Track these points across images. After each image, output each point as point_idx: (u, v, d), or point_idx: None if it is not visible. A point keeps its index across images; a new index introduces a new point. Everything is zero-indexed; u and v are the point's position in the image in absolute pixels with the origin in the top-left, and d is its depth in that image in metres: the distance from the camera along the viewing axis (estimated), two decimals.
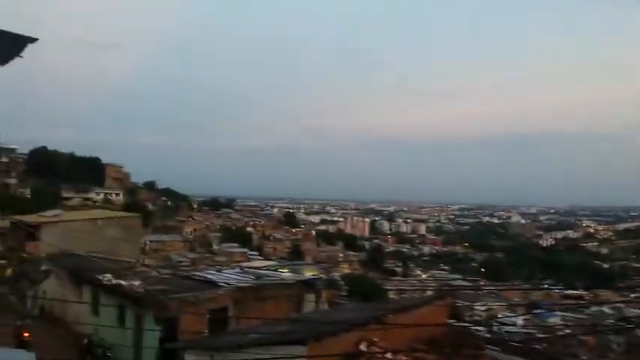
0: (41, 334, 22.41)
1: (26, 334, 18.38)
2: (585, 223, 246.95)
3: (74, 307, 23.65)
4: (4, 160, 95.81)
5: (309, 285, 24.17)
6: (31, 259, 30.17)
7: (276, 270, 29.57)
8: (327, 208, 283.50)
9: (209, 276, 23.37)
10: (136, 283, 21.15)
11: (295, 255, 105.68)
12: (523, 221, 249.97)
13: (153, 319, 18.26)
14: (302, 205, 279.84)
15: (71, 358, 19.18)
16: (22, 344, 16.76)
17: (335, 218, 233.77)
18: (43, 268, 27.97)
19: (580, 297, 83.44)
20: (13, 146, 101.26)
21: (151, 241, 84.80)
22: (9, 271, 32.35)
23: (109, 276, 22.18)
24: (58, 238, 30.11)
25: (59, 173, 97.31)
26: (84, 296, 23.43)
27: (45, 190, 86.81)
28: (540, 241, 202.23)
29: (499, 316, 64.51)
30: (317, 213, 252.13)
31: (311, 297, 23.75)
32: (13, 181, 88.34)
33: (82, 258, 28.02)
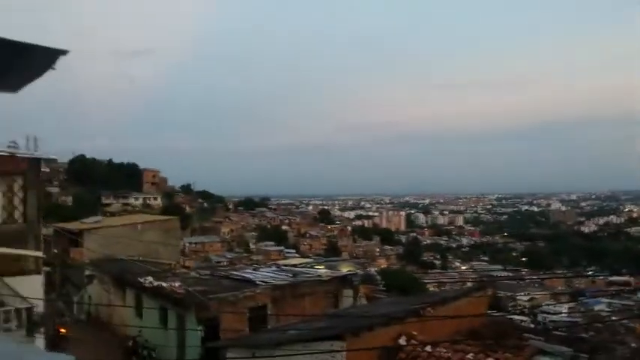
0: (89, 337, 23.18)
1: (62, 330, 18.99)
2: (628, 207, 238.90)
3: (119, 310, 24.33)
4: (46, 170, 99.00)
5: (345, 281, 24.16)
6: (75, 265, 31.09)
7: (312, 267, 29.65)
8: (362, 203, 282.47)
9: (247, 275, 23.64)
10: (177, 284, 21.58)
11: (331, 251, 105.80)
12: (563, 208, 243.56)
13: (194, 320, 18.60)
14: (336, 202, 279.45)
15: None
16: (59, 340, 17.23)
17: (370, 213, 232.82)
18: (87, 273, 28.82)
19: (626, 283, 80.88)
20: (53, 156, 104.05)
21: (189, 243, 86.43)
22: (56, 278, 33.49)
23: (150, 278, 22.71)
24: (100, 244, 30.93)
25: (98, 180, 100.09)
26: (127, 299, 24.05)
27: (86, 197, 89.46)
28: (582, 228, 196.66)
29: (543, 305, 63.16)
30: (352, 209, 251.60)
31: (348, 293, 23.74)
32: (55, 189, 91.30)
33: (123, 262, 28.79)
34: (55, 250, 33.30)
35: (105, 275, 26.95)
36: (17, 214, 13.82)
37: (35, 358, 4.85)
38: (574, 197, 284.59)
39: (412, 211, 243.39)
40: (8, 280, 11.69)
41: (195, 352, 17.97)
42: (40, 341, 9.49)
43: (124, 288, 24.71)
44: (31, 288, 11.31)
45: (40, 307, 10.55)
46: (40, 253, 13.10)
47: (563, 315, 57.89)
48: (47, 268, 32.05)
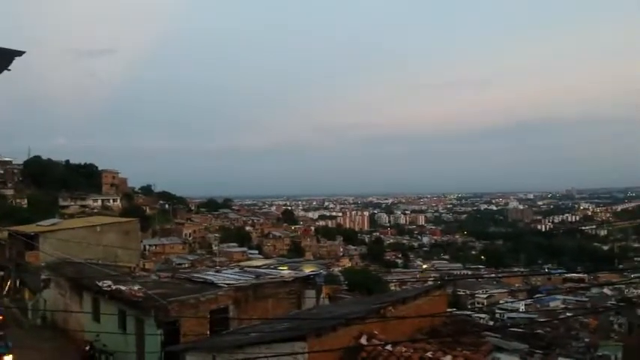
0: (44, 343, 22.49)
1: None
2: (583, 206, 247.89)
3: (76, 314, 23.68)
4: (0, 171, 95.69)
5: (308, 281, 24.21)
6: (31, 269, 30.13)
7: (275, 268, 29.61)
8: (326, 203, 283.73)
9: (209, 277, 23.38)
10: (136, 287, 21.16)
11: (295, 252, 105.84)
12: (521, 207, 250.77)
13: (154, 323, 18.29)
14: (300, 202, 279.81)
15: None
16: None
17: (334, 213, 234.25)
18: (43, 277, 27.94)
19: (581, 280, 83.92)
20: (7, 158, 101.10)
21: (150, 245, 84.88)
22: (8, 283, 32.37)
23: (108, 282, 22.17)
24: (57, 247, 30.03)
25: (55, 182, 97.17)
26: (84, 303, 23.45)
27: (42, 199, 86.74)
28: (539, 226, 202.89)
29: (501, 302, 64.84)
30: (316, 209, 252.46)
31: (311, 293, 23.79)
32: (9, 192, 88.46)
33: (81, 265, 28.01)
34: (9, 255, 32.22)
35: (61, 279, 26.17)
36: None
37: None
38: (531, 196, 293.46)
39: (375, 211, 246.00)
40: None
41: (154, 357, 17.69)
42: None
43: (81, 292, 24.05)
44: None
45: None
46: None
47: (520, 312, 59.65)
48: (1, 273, 31.01)
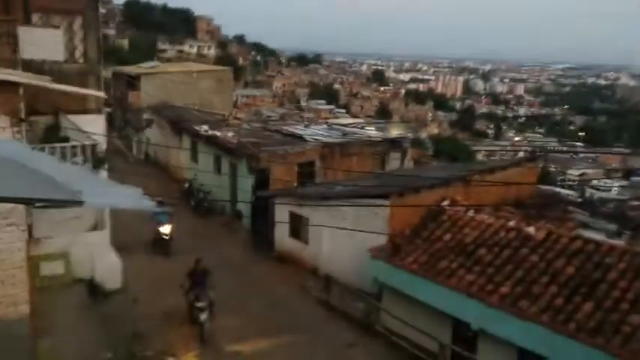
0: (148, 177, 24.77)
1: None
2: None
3: (175, 154, 25.55)
4: (103, 11, 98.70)
5: (394, 143, 24.20)
6: (134, 108, 32.21)
7: (362, 128, 29.69)
8: (419, 65, 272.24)
9: (297, 131, 23.98)
10: (230, 134, 22.23)
11: (382, 114, 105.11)
12: (632, 83, 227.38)
13: (246, 168, 19.42)
14: (392, 63, 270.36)
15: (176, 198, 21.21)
16: None
17: (426, 77, 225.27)
18: (145, 117, 29.88)
19: None
20: None
21: (242, 96, 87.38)
22: (116, 119, 35.03)
23: (205, 127, 23.42)
24: (157, 89, 31.60)
25: (153, 24, 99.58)
26: (183, 144, 25.14)
27: (142, 41, 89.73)
28: None
29: (594, 181, 62.27)
30: (407, 71, 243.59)
31: (396, 155, 23.89)
32: (111, 32, 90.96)
33: (180, 109, 29.58)
34: (113, 93, 34.40)
35: (163, 120, 27.89)
36: (78, 54, 14.05)
37: (107, 188, 5.18)
38: None
39: (471, 77, 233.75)
40: (72, 117, 12.27)
41: (247, 196, 19.01)
42: (104, 175, 10.16)
43: (180, 134, 25.69)
44: (94, 126, 11.86)
45: (102, 144, 11.14)
46: (101, 94, 13.47)
47: (612, 192, 57.22)
48: (108, 109, 33.56)
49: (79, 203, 3.43)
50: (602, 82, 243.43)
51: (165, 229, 16.09)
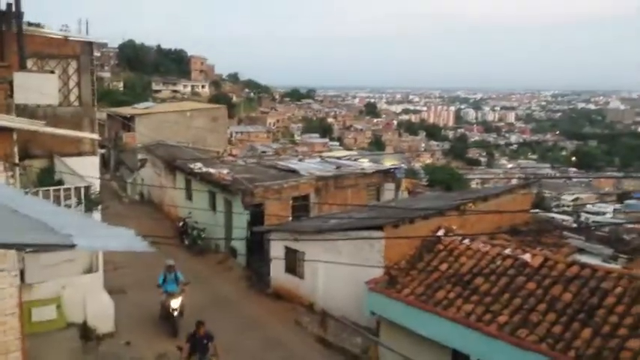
0: (144, 215, 24.75)
1: None
2: None
3: (170, 193, 25.61)
4: (97, 54, 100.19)
5: (388, 174, 24.35)
6: (128, 149, 32.41)
7: (356, 160, 29.88)
8: (411, 97, 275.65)
9: (292, 165, 24.13)
10: (225, 171, 22.33)
11: (376, 145, 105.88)
12: (622, 107, 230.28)
13: (241, 205, 19.44)
14: (384, 95, 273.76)
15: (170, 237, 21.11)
16: None
17: (418, 107, 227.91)
18: (140, 156, 30.01)
19: None
20: (104, 40, 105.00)
21: (236, 132, 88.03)
22: (110, 160, 35.16)
23: (199, 164, 23.54)
24: (151, 129, 31.91)
25: (148, 66, 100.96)
26: (177, 183, 25.20)
27: (136, 82, 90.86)
28: (639, 129, 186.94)
29: (588, 205, 62.38)
30: (399, 102, 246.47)
31: (391, 186, 24.00)
32: (106, 74, 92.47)
33: (174, 147, 29.77)
34: (108, 134, 34.67)
35: (157, 159, 28.01)
36: (72, 97, 14.25)
37: (99, 230, 5.18)
38: (635, 96, 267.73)
39: (462, 107, 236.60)
40: (66, 160, 12.36)
41: (242, 232, 18.97)
42: (97, 217, 10.18)
43: (174, 172, 25.77)
44: (88, 168, 11.95)
45: (96, 186, 11.20)
46: (95, 135, 13.63)
47: (607, 216, 57.26)
48: (102, 150, 33.67)
49: (71, 247, 3.45)
50: (592, 106, 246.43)
51: (175, 303, 13.36)
